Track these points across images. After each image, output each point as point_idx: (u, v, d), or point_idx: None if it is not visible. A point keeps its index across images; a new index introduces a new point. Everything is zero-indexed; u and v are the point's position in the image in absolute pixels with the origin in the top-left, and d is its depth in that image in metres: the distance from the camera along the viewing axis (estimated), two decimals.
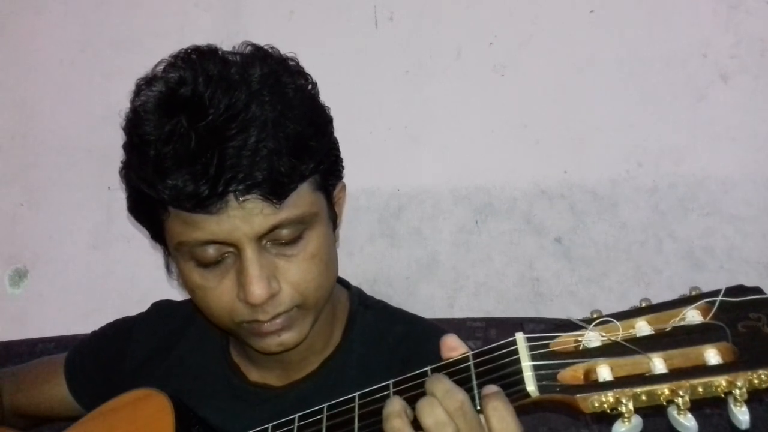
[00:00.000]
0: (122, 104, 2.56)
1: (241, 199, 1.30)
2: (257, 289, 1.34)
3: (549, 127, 2.32)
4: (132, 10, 2.60)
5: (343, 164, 1.52)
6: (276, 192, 1.31)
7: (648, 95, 2.27)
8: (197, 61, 1.37)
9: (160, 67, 1.42)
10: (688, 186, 2.23)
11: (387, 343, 1.61)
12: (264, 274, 1.35)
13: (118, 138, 2.57)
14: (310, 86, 1.45)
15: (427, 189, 2.38)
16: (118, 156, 2.56)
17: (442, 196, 2.38)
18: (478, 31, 2.37)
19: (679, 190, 2.24)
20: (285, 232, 1.36)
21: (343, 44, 2.41)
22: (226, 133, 1.28)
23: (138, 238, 2.56)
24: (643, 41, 2.28)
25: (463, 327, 2.19)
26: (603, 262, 2.28)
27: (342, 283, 1.70)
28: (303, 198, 1.37)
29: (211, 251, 1.36)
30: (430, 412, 1.10)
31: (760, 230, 2.20)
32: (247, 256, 1.34)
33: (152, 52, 2.55)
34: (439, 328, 1.61)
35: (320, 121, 1.44)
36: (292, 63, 1.45)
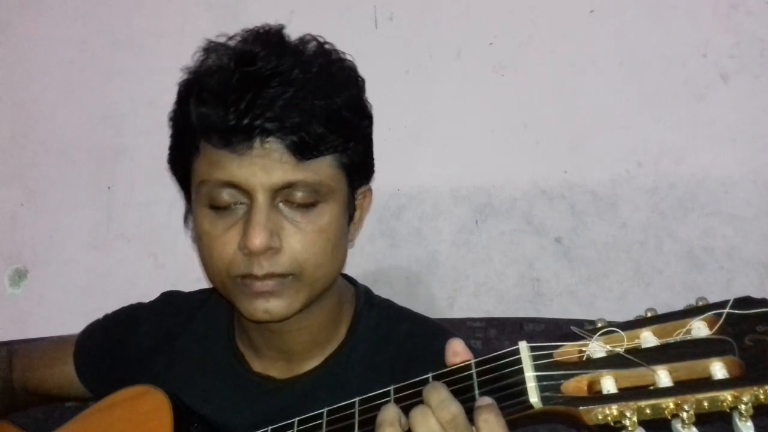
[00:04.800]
0: (122, 104, 2.57)
1: (267, 140, 1.36)
2: (258, 235, 1.36)
3: (549, 127, 2.32)
4: (132, 10, 2.60)
5: (374, 169, 1.59)
6: (300, 147, 1.37)
7: (648, 95, 2.27)
8: (261, 32, 1.50)
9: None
10: (688, 186, 2.23)
11: (392, 342, 1.61)
12: (268, 226, 1.38)
13: (118, 138, 2.59)
14: (359, 80, 1.53)
15: (427, 189, 2.38)
16: (117, 156, 2.57)
17: (442, 196, 2.38)
18: (478, 32, 2.37)
19: (679, 190, 2.24)
20: (299, 195, 1.40)
21: (343, 44, 2.38)
22: (267, 82, 1.37)
23: (138, 237, 2.57)
24: (643, 41, 2.28)
25: (463, 327, 2.19)
26: (603, 262, 2.28)
27: (349, 280, 1.72)
28: (325, 169, 1.42)
29: (226, 196, 1.41)
30: (423, 421, 1.11)
31: (759, 230, 2.20)
32: (257, 204, 1.38)
33: (152, 52, 2.58)
34: (445, 328, 1.63)
35: (361, 110, 1.51)
36: (348, 59, 1.55)
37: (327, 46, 1.52)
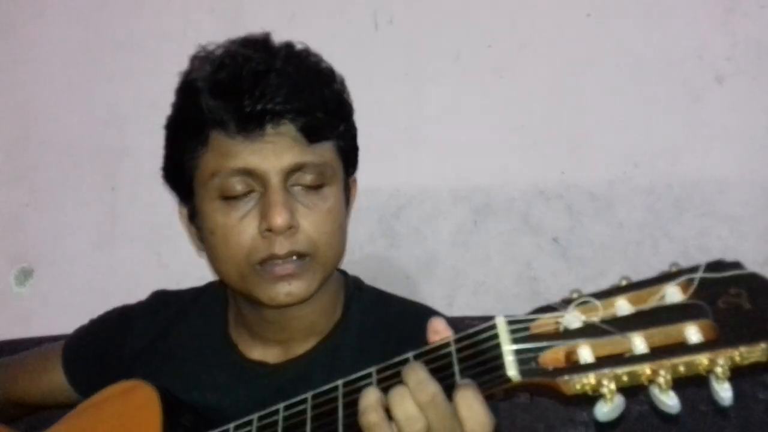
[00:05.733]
0: (125, 105, 2.58)
1: (279, 123, 1.46)
2: (280, 213, 1.44)
3: (547, 129, 2.34)
4: (134, 11, 2.63)
5: (358, 159, 1.70)
6: (309, 129, 1.48)
7: (644, 97, 2.29)
8: (249, 39, 1.59)
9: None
10: (684, 186, 2.24)
11: (383, 323, 1.66)
12: (287, 205, 1.46)
13: (122, 138, 2.61)
14: (339, 76, 1.65)
15: (426, 189, 2.40)
16: (121, 156, 2.59)
17: (442, 196, 2.39)
18: (476, 34, 2.39)
19: (674, 190, 2.25)
20: (309, 177, 1.50)
21: (344, 46, 2.42)
22: (267, 75, 1.47)
23: (142, 237, 2.59)
24: (639, 44, 2.29)
25: (462, 325, 2.19)
26: (600, 261, 2.29)
27: (340, 271, 1.77)
28: (328, 153, 1.54)
29: (239, 186, 1.49)
30: (400, 403, 1.13)
31: (755, 231, 2.21)
32: (273, 186, 1.46)
33: (154, 53, 2.61)
34: (434, 309, 1.69)
35: (347, 102, 1.65)
36: (326, 62, 1.65)
37: (309, 50, 1.63)
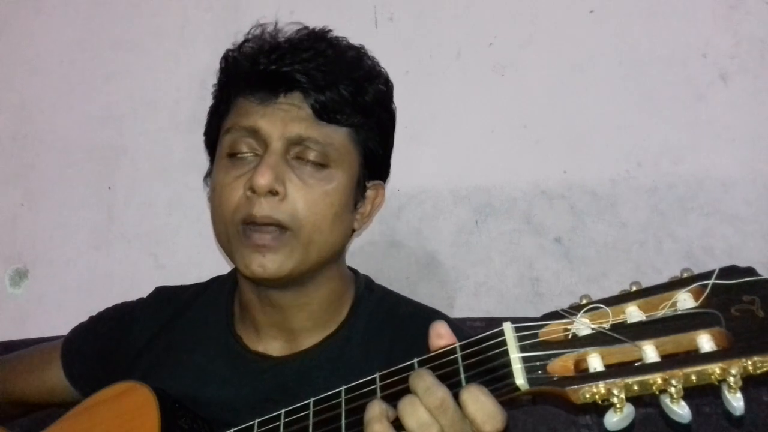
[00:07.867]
0: (122, 104, 2.56)
1: (291, 93, 1.52)
2: (264, 174, 1.46)
3: (549, 127, 2.32)
4: (132, 10, 2.61)
5: (389, 171, 1.73)
6: (320, 106, 1.52)
7: (648, 95, 2.27)
8: (308, 28, 1.67)
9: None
10: (688, 186, 2.23)
11: (391, 323, 1.66)
12: (276, 170, 1.48)
13: (118, 138, 2.59)
14: (388, 82, 1.71)
15: (427, 189, 2.38)
16: (117, 156, 2.57)
17: (442, 196, 2.38)
18: (478, 32, 2.38)
19: (678, 190, 2.23)
20: (312, 153, 1.52)
21: None
22: (304, 49, 1.55)
23: (138, 238, 2.57)
24: (642, 41, 2.28)
25: (463, 327, 2.19)
26: (603, 262, 2.27)
27: (351, 269, 1.78)
28: (339, 137, 1.55)
29: (244, 146, 1.54)
30: (412, 412, 1.11)
31: (759, 230, 2.19)
32: (270, 149, 1.50)
33: (152, 52, 2.59)
34: (443, 314, 1.69)
35: (385, 105, 1.69)
36: (383, 68, 1.71)
37: (363, 50, 1.68)
